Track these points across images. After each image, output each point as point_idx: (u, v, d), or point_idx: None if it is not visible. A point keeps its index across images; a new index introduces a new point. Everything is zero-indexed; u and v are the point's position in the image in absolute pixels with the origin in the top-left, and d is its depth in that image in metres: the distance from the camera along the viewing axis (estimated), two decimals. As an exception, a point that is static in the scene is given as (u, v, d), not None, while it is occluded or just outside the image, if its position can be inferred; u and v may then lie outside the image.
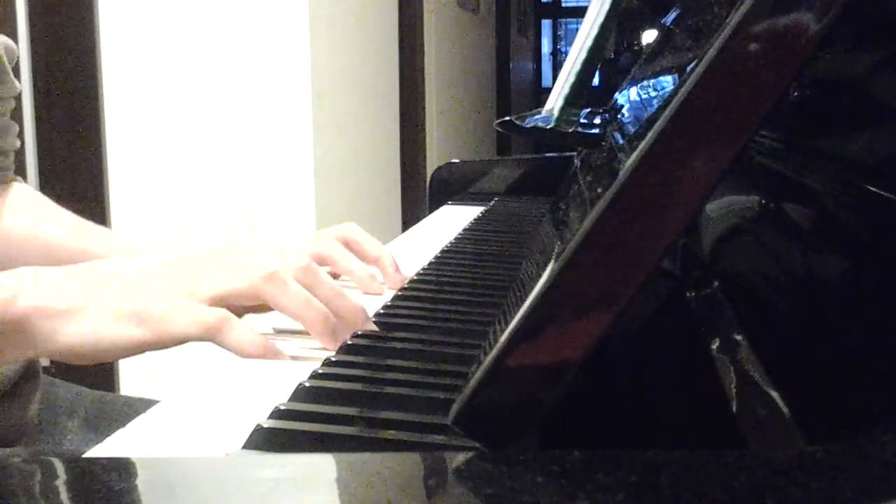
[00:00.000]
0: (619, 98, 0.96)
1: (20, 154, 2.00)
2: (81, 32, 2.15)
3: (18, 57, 0.86)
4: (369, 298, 0.68)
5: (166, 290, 0.53)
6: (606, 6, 0.95)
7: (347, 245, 0.72)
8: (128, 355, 0.53)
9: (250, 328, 0.53)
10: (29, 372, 0.76)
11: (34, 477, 0.27)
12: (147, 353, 0.54)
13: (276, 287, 0.54)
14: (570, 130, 0.89)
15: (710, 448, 0.26)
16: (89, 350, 0.52)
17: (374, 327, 0.58)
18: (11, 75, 0.83)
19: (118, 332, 0.52)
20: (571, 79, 0.94)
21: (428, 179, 1.32)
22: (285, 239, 0.74)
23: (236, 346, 0.53)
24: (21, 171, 1.03)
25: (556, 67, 7.92)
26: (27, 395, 0.76)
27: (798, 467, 0.24)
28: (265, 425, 0.40)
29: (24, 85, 2.10)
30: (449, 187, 1.24)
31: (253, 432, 0.40)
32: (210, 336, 0.52)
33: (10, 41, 0.83)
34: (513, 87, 5.76)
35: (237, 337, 0.52)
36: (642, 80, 0.83)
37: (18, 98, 0.87)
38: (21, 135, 0.88)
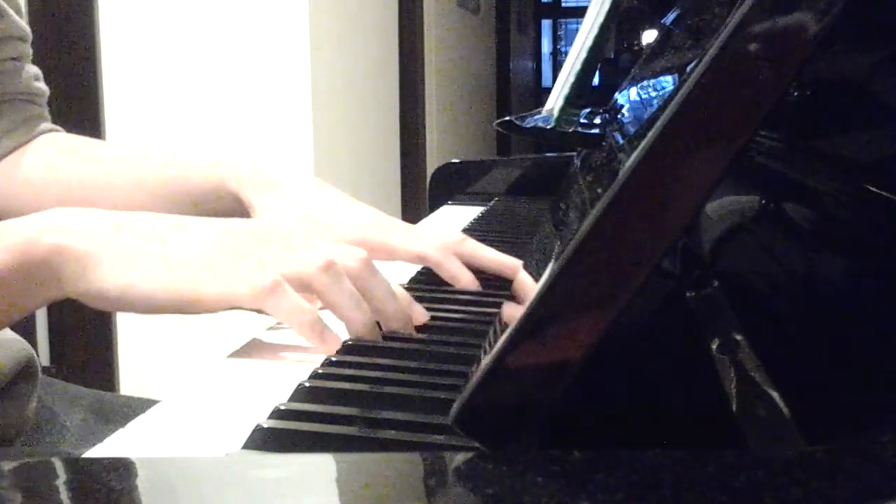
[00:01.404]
0: (619, 98, 0.96)
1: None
2: (81, 30, 2.15)
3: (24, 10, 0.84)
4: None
5: (215, 255, 0.53)
6: (606, 6, 0.95)
7: (461, 259, 0.70)
8: (161, 312, 0.52)
9: (304, 302, 0.52)
10: (27, 371, 0.76)
11: (34, 477, 0.27)
12: (147, 352, 0.54)
13: (329, 280, 0.53)
14: (570, 130, 0.89)
15: (710, 448, 0.26)
16: (117, 297, 0.51)
17: (414, 333, 0.57)
18: (13, 14, 0.81)
19: (157, 285, 0.51)
20: (571, 79, 0.95)
21: (428, 179, 1.32)
22: (410, 231, 0.72)
23: (287, 316, 0.52)
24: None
25: (556, 67, 7.92)
26: (24, 395, 0.76)
27: (798, 467, 0.24)
28: (265, 425, 0.40)
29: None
30: (449, 187, 1.24)
31: (253, 432, 0.40)
32: (261, 301, 0.51)
33: None
34: (513, 87, 5.76)
35: (289, 307, 0.51)
36: (642, 80, 0.83)
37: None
38: None
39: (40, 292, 0.53)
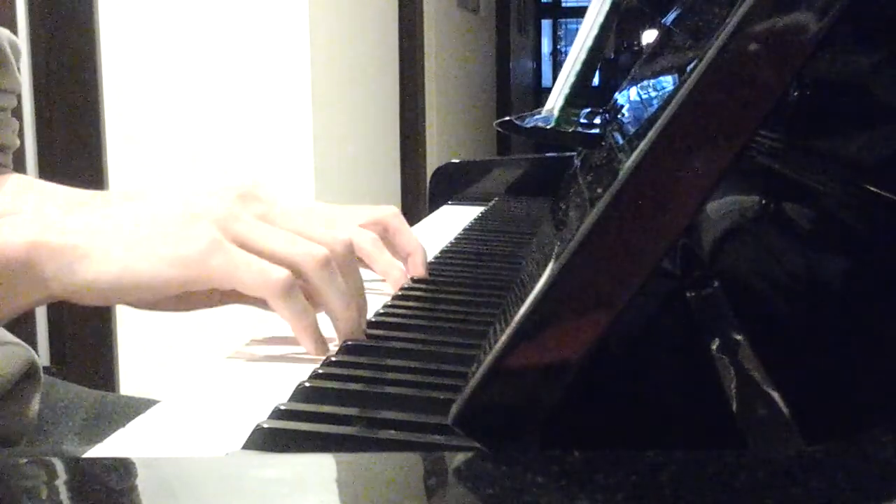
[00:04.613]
0: (619, 98, 0.96)
1: (20, 154, 2.01)
2: (81, 32, 2.14)
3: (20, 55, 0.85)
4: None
5: (208, 230, 0.50)
6: (606, 6, 0.95)
7: (385, 232, 0.70)
8: (166, 294, 0.50)
9: (308, 305, 0.51)
10: (30, 372, 0.76)
11: (34, 477, 0.27)
12: (147, 352, 0.53)
13: (327, 276, 0.52)
14: (570, 130, 0.89)
15: (710, 448, 0.26)
16: (111, 285, 0.49)
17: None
18: (15, 68, 0.81)
19: (157, 261, 0.49)
20: (571, 79, 0.95)
21: (428, 179, 1.32)
22: (332, 210, 0.72)
23: (294, 317, 0.51)
24: (20, 171, 1.00)
25: (556, 67, 7.92)
26: (28, 396, 0.76)
27: (798, 467, 0.24)
28: (265, 425, 0.40)
29: (25, 83, 2.10)
30: (449, 187, 1.24)
31: (253, 432, 0.40)
32: (271, 294, 0.49)
33: (14, 37, 0.81)
34: (513, 87, 5.76)
35: (298, 309, 0.50)
36: (642, 80, 0.83)
37: (18, 97, 0.85)
38: (21, 134, 0.87)
39: (22, 295, 0.51)
